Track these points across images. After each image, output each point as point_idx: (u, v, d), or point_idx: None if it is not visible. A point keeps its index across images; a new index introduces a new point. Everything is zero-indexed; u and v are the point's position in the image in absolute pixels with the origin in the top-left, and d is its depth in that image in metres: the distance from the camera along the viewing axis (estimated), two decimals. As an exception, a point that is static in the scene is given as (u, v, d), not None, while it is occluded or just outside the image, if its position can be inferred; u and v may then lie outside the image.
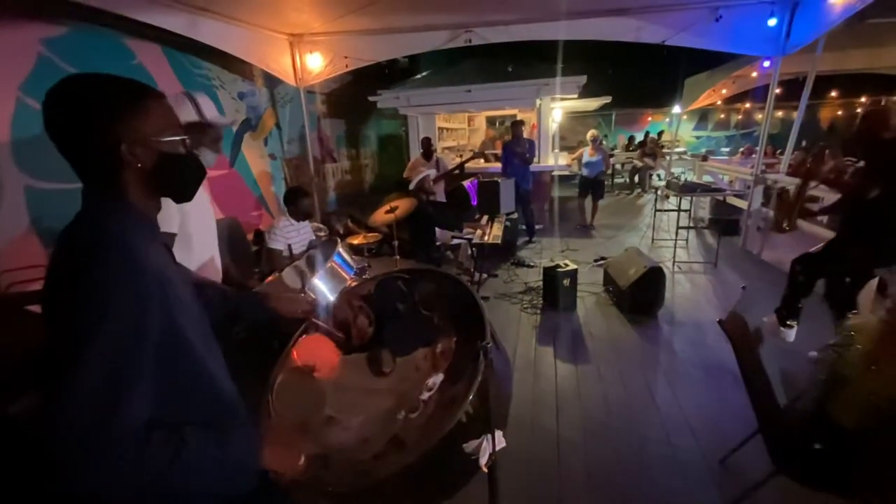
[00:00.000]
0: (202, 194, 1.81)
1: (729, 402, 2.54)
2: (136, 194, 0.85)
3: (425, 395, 1.25)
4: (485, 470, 1.04)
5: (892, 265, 2.75)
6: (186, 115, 1.56)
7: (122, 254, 0.74)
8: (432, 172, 5.45)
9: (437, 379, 1.27)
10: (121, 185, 0.83)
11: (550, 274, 4.04)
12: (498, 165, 6.59)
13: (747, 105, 15.07)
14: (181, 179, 0.93)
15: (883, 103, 11.86)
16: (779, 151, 8.79)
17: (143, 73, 4.33)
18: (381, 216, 3.66)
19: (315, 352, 1.37)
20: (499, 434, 1.07)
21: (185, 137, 0.90)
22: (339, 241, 2.23)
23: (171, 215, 1.50)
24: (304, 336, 1.39)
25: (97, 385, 0.66)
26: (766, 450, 1.70)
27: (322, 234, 4.70)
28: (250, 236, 5.15)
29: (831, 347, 1.59)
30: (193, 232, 1.67)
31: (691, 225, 6.25)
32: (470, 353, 1.14)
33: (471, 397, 1.03)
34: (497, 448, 1.06)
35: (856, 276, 2.89)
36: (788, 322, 3.11)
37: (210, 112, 1.63)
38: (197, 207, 1.72)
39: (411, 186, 4.60)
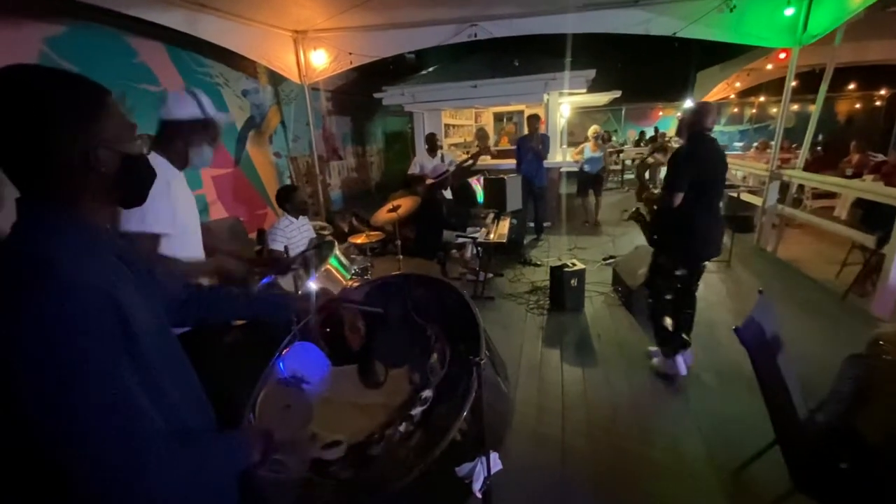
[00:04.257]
0: (188, 192, 1.75)
1: (743, 410, 2.43)
2: (90, 202, 0.77)
3: (417, 411, 1.17)
4: (479, 496, 0.97)
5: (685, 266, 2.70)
6: (191, 111, 1.53)
7: (62, 276, 0.66)
8: (444, 167, 5.38)
9: (430, 393, 1.19)
10: (76, 193, 0.75)
11: (557, 273, 3.94)
12: (504, 162, 6.49)
13: (762, 98, 14.72)
14: (141, 182, 0.86)
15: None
16: (794, 146, 8.57)
17: (145, 71, 4.30)
18: (383, 215, 3.59)
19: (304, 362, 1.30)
20: (494, 456, 1.00)
21: (139, 137, 0.84)
22: (335, 243, 2.16)
23: (163, 215, 1.45)
24: (289, 346, 1.32)
25: (101, 426, 0.64)
26: (783, 463, 1.60)
27: (326, 232, 4.66)
28: (254, 235, 5.12)
29: (857, 358, 1.48)
30: (181, 232, 1.62)
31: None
32: (465, 367, 1.07)
33: (463, 416, 0.95)
34: (493, 471, 0.99)
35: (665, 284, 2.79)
36: (667, 352, 2.83)
37: (211, 109, 1.59)
38: (185, 205, 1.66)
39: (429, 181, 4.51)
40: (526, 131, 6.00)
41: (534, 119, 5.96)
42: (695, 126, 2.61)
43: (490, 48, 6.74)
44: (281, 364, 1.27)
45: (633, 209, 3.24)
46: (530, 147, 5.81)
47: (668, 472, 2.11)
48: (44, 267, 0.66)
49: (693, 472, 2.09)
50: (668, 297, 2.79)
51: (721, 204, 2.71)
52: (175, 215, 1.52)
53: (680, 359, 2.79)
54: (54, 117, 0.70)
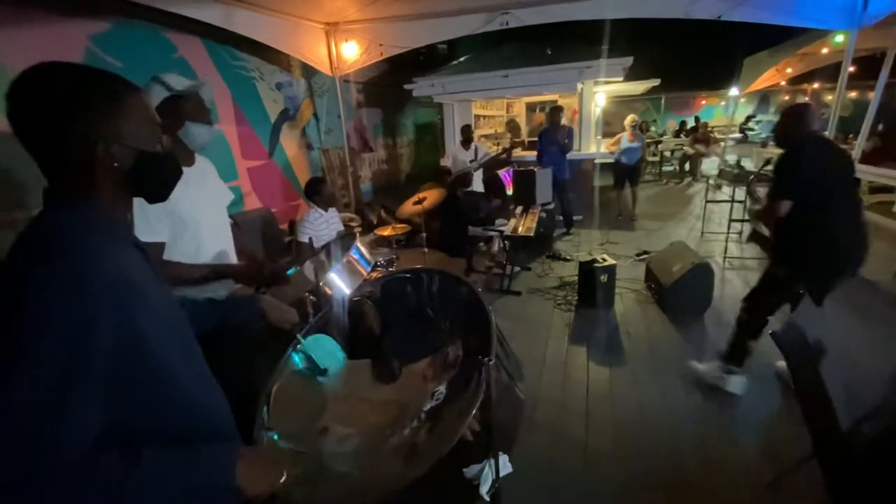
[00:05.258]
0: (216, 182, 1.77)
1: (782, 418, 2.30)
2: (106, 194, 0.79)
3: (429, 406, 1.16)
4: (486, 499, 0.94)
5: (811, 281, 2.39)
6: (158, 95, 1.47)
7: (69, 260, 0.68)
8: (472, 163, 5.34)
9: (442, 389, 1.18)
10: (91, 185, 0.77)
11: (587, 269, 3.83)
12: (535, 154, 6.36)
13: (815, 85, 13.78)
14: (158, 180, 0.88)
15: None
16: (850, 136, 7.98)
17: (184, 66, 4.43)
18: (409, 207, 3.59)
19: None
20: (504, 459, 0.97)
21: (160, 134, 0.84)
22: (357, 235, 2.17)
23: (157, 223, 1.44)
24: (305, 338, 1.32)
25: (29, 409, 0.61)
26: (822, 478, 1.50)
27: (355, 224, 4.71)
28: (285, 226, 5.24)
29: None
30: (204, 224, 1.64)
31: (746, 217, 5.79)
32: (476, 365, 1.04)
33: (471, 417, 0.93)
34: (502, 474, 0.96)
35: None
36: (732, 369, 2.58)
37: (178, 84, 1.51)
38: (206, 197, 1.67)
39: (452, 178, 4.48)
40: (550, 123, 5.83)
41: (556, 112, 5.80)
42: (796, 130, 2.35)
43: (522, 36, 6.58)
44: (296, 356, 1.28)
45: (750, 230, 2.91)
46: (554, 140, 5.66)
47: (697, 480, 2.01)
48: (59, 250, 0.69)
49: (724, 482, 1.99)
50: (770, 317, 2.51)
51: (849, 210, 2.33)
52: (177, 215, 1.50)
53: (744, 379, 2.56)
54: (66, 113, 0.72)
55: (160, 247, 1.46)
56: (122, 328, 0.70)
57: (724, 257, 4.72)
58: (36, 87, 0.72)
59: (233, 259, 1.82)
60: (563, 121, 6.02)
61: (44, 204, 0.77)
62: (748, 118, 13.19)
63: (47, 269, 0.67)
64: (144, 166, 0.81)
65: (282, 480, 0.84)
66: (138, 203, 0.89)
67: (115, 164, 0.77)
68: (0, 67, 2.88)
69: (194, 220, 1.58)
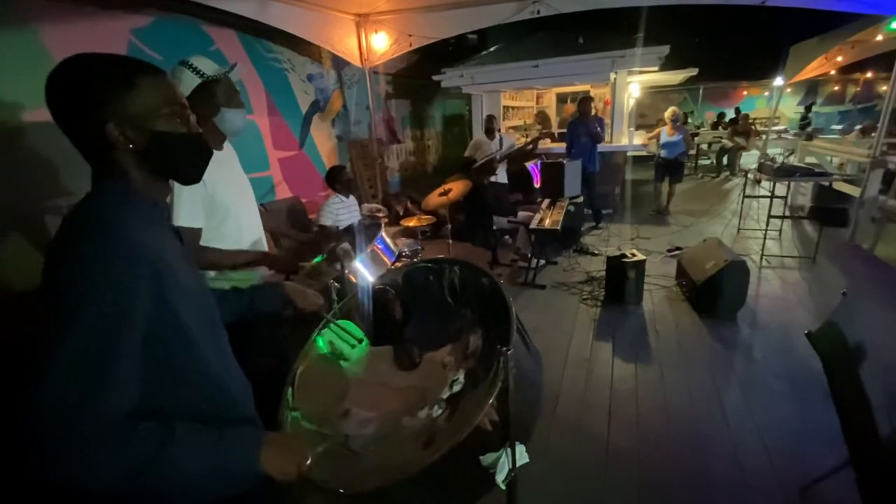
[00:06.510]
0: (234, 171, 1.81)
1: (816, 423, 2.19)
2: (135, 175, 0.82)
3: (448, 394, 1.17)
4: (502, 487, 0.95)
5: None
6: (189, 82, 1.48)
7: (108, 236, 0.72)
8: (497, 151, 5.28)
9: (462, 378, 1.19)
10: (117, 167, 0.80)
11: (615, 264, 3.76)
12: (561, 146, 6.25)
13: (868, 75, 12.96)
14: (180, 160, 0.88)
15: None
16: (907, 129, 7.47)
17: (220, 58, 4.54)
18: (434, 199, 3.60)
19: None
20: (521, 448, 0.97)
21: (184, 115, 0.85)
22: (382, 225, 2.20)
23: (195, 209, 1.48)
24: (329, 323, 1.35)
25: (72, 371, 0.65)
26: (857, 486, 1.43)
27: (381, 214, 4.76)
28: (314, 215, 5.33)
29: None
30: (241, 210, 1.68)
31: (787, 214, 5.53)
32: (494, 355, 1.04)
33: (488, 405, 0.93)
34: (518, 464, 0.96)
35: None
36: None
37: (209, 69, 1.52)
38: (228, 185, 1.70)
39: (476, 166, 4.46)
40: (580, 114, 5.70)
41: (586, 102, 5.66)
42: None
43: (553, 25, 6.44)
44: (320, 341, 1.31)
45: None
46: (585, 130, 5.53)
47: (724, 485, 1.95)
48: (99, 227, 0.73)
49: (753, 488, 1.92)
50: None
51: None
52: (217, 201, 1.53)
53: None
54: (77, 97, 0.76)
55: (197, 232, 1.50)
56: (156, 300, 0.74)
57: (762, 255, 4.52)
58: (57, 76, 0.76)
59: (265, 245, 1.87)
60: (594, 111, 5.88)
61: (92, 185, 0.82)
62: (808, 107, 12.49)
63: (87, 242, 0.71)
64: (161, 147, 0.82)
65: (307, 464, 0.86)
66: (178, 188, 0.92)
67: (130, 145, 0.79)
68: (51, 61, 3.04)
69: (233, 206, 1.62)
